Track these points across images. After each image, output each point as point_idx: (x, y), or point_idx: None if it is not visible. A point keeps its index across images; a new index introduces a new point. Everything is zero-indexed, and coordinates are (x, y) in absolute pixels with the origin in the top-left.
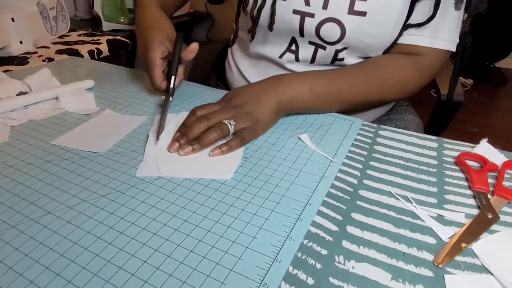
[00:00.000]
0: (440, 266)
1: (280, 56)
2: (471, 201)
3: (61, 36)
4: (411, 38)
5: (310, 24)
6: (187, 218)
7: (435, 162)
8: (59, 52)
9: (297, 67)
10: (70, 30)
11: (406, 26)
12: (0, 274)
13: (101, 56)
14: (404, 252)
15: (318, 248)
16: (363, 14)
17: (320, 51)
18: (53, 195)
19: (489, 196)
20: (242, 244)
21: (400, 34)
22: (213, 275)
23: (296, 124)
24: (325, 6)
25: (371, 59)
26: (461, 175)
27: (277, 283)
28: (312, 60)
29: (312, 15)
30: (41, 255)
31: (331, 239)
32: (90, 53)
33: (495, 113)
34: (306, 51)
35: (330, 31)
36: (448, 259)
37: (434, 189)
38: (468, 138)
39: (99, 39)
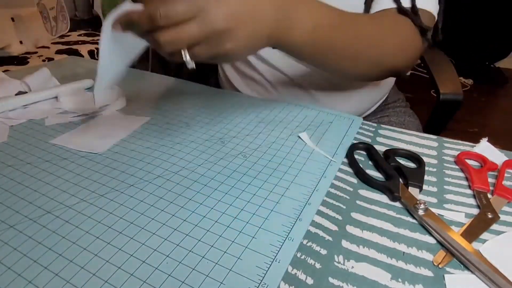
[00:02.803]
0: (440, 266)
1: None
2: (471, 201)
3: (61, 36)
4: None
5: None
6: (186, 218)
7: (435, 161)
8: (59, 52)
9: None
10: (70, 30)
11: None
12: None
13: None
14: (403, 252)
15: (318, 248)
16: None
17: None
18: (52, 195)
19: (489, 195)
20: (241, 244)
21: None
22: (212, 275)
23: (295, 123)
24: None
25: (378, 13)
26: (461, 174)
27: (276, 283)
28: None
29: None
30: (40, 255)
31: (330, 238)
32: (90, 53)
33: (495, 113)
34: None
35: None
36: (448, 259)
37: (434, 189)
38: (468, 138)
39: (99, 39)
